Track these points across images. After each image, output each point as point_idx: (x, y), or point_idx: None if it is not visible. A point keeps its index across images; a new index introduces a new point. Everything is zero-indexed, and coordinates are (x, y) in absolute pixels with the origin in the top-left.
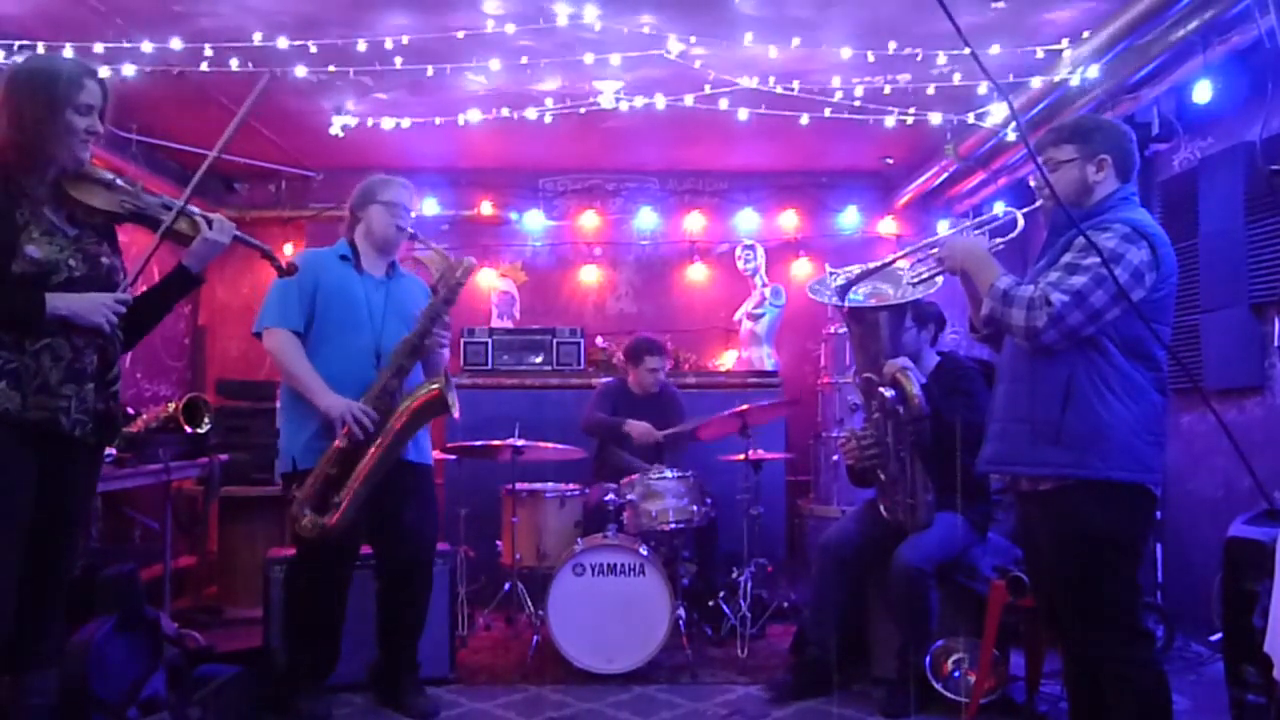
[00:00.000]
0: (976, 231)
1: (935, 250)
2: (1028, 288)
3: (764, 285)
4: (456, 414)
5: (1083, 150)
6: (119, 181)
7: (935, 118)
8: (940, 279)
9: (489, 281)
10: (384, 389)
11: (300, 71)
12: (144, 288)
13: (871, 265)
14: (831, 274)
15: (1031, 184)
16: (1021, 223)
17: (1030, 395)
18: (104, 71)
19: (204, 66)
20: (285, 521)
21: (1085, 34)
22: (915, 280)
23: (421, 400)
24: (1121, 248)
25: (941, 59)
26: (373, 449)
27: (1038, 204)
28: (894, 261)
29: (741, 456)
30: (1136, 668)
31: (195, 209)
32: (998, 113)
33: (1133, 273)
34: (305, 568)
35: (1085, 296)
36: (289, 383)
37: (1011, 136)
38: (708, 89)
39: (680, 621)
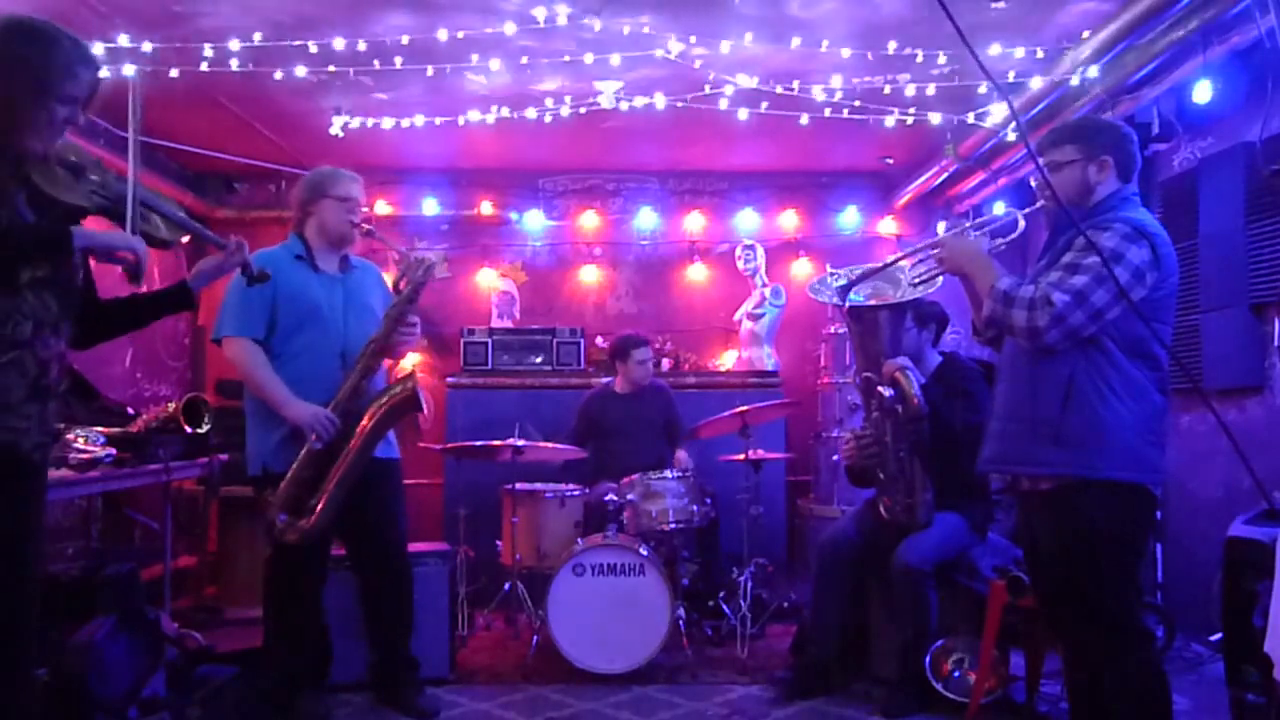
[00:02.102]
0: (977, 232)
1: (935, 251)
2: (1029, 288)
3: (764, 285)
4: (426, 410)
5: (1084, 151)
6: (90, 171)
7: (935, 118)
8: (940, 279)
9: (489, 281)
10: (353, 391)
11: (300, 71)
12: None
13: (872, 266)
14: (833, 274)
15: (1033, 184)
16: (1022, 224)
17: (1031, 395)
18: (102, 71)
19: (204, 66)
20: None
21: (1085, 34)
22: (916, 281)
23: (394, 400)
24: (1122, 247)
25: (941, 59)
26: (346, 451)
27: (1038, 204)
28: (895, 263)
29: (741, 456)
30: (1136, 667)
31: (176, 211)
32: (998, 113)
33: (1134, 272)
34: (282, 571)
35: (1087, 296)
36: (253, 392)
37: (1011, 136)
38: (708, 89)
39: (680, 621)
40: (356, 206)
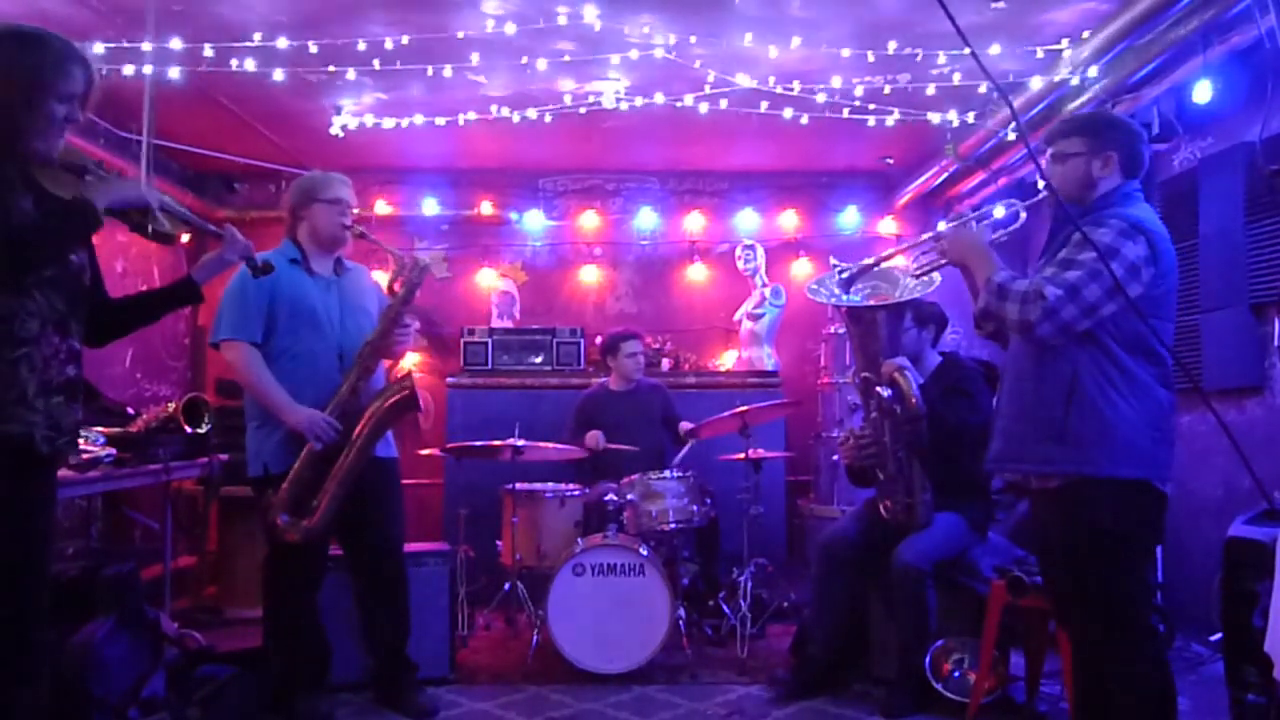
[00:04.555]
0: (979, 224)
1: (938, 243)
2: (1023, 281)
3: (764, 285)
4: (425, 409)
5: (1091, 144)
6: (92, 171)
7: (935, 118)
8: (938, 276)
9: (489, 281)
10: (351, 391)
11: (300, 71)
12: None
13: (875, 258)
14: (836, 267)
15: (1039, 174)
16: (1023, 216)
17: (1035, 393)
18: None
19: (204, 67)
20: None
21: (1085, 34)
22: (918, 272)
23: (392, 400)
24: (1117, 242)
25: (941, 59)
26: (345, 452)
27: (1040, 197)
28: (898, 254)
29: (741, 456)
30: (1145, 667)
31: (178, 206)
32: (998, 113)
33: (1128, 267)
34: (280, 571)
35: (1079, 290)
36: (252, 395)
37: (1011, 136)
38: (708, 89)
39: (680, 621)
40: (347, 209)
